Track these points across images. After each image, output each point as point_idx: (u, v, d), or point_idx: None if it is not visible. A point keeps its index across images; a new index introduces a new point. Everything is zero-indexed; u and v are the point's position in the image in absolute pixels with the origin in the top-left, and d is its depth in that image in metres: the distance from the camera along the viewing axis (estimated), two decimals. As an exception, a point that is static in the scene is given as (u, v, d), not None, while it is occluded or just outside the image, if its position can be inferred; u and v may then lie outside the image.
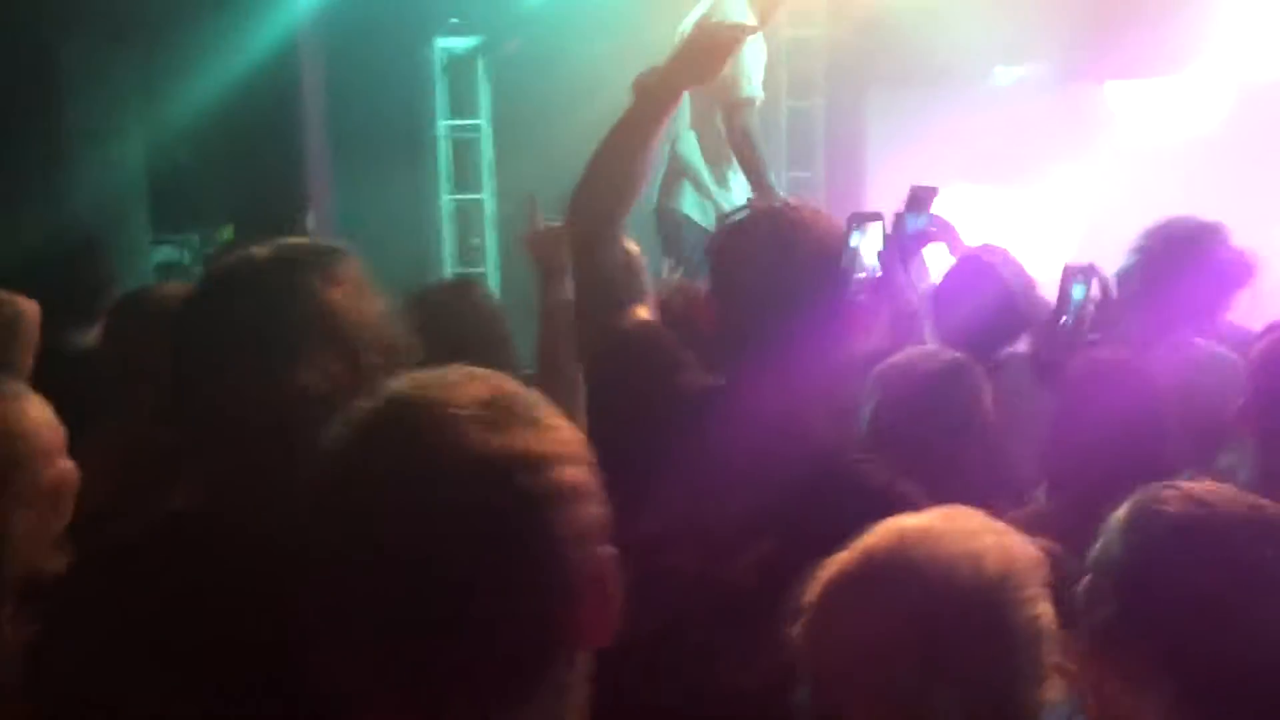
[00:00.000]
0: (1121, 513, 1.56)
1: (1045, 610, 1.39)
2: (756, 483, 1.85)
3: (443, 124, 8.19)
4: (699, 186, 5.66)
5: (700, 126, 5.60)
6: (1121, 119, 7.52)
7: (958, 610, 1.34)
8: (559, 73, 7.51)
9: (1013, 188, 7.11)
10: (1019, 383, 2.93)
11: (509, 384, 1.16)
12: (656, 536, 1.83)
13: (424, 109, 8.10)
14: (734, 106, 5.25)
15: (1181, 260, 3.34)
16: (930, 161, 7.06)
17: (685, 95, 2.49)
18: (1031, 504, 2.65)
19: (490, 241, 8.13)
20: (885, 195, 7.07)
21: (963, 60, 7.52)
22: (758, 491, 1.85)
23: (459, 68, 8.17)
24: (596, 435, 1.24)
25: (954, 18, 7.30)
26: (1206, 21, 7.26)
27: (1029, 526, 1.62)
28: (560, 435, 1.13)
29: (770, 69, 7.75)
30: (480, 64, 8.12)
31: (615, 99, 7.63)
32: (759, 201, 2.61)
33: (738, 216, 2.14)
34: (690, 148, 5.63)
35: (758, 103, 5.40)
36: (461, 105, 8.20)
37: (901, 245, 3.21)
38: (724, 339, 2.07)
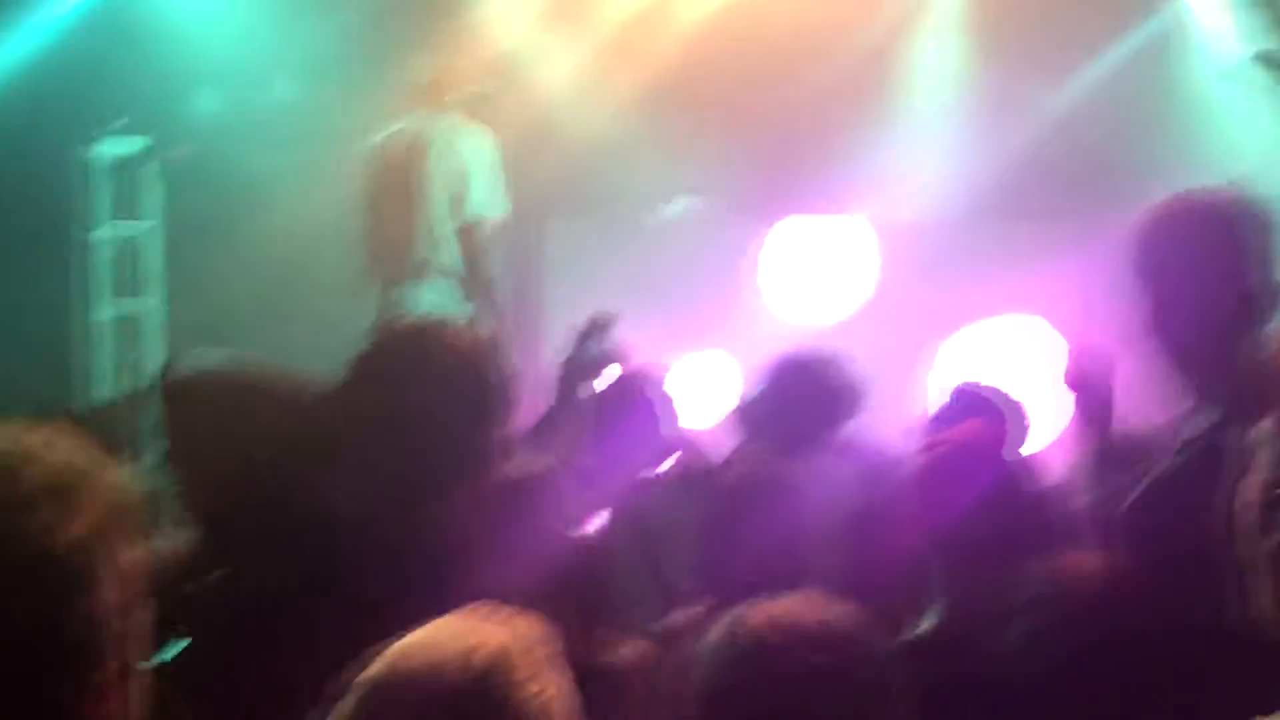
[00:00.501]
0: (712, 634, 1.65)
1: (547, 684, 1.43)
2: None
3: (103, 229, 7.75)
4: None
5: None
6: (785, 253, 8.03)
7: (449, 710, 1.37)
8: (234, 180, 7.32)
9: (684, 317, 7.40)
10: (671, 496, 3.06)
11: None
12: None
13: (75, 214, 7.66)
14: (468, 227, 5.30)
15: (795, 386, 3.61)
16: (607, 289, 7.30)
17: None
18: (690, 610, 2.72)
19: (155, 351, 7.68)
20: (564, 322, 7.29)
21: (638, 192, 7.87)
22: None
23: (125, 170, 7.80)
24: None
25: (629, 152, 7.67)
26: (861, 165, 7.96)
27: (677, 632, 1.69)
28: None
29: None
30: (148, 167, 7.77)
31: (293, 209, 7.53)
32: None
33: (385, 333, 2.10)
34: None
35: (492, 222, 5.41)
36: (127, 209, 7.80)
37: (580, 368, 3.30)
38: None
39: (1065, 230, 7.88)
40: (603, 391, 3.40)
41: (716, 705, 1.62)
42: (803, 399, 3.61)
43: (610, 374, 3.43)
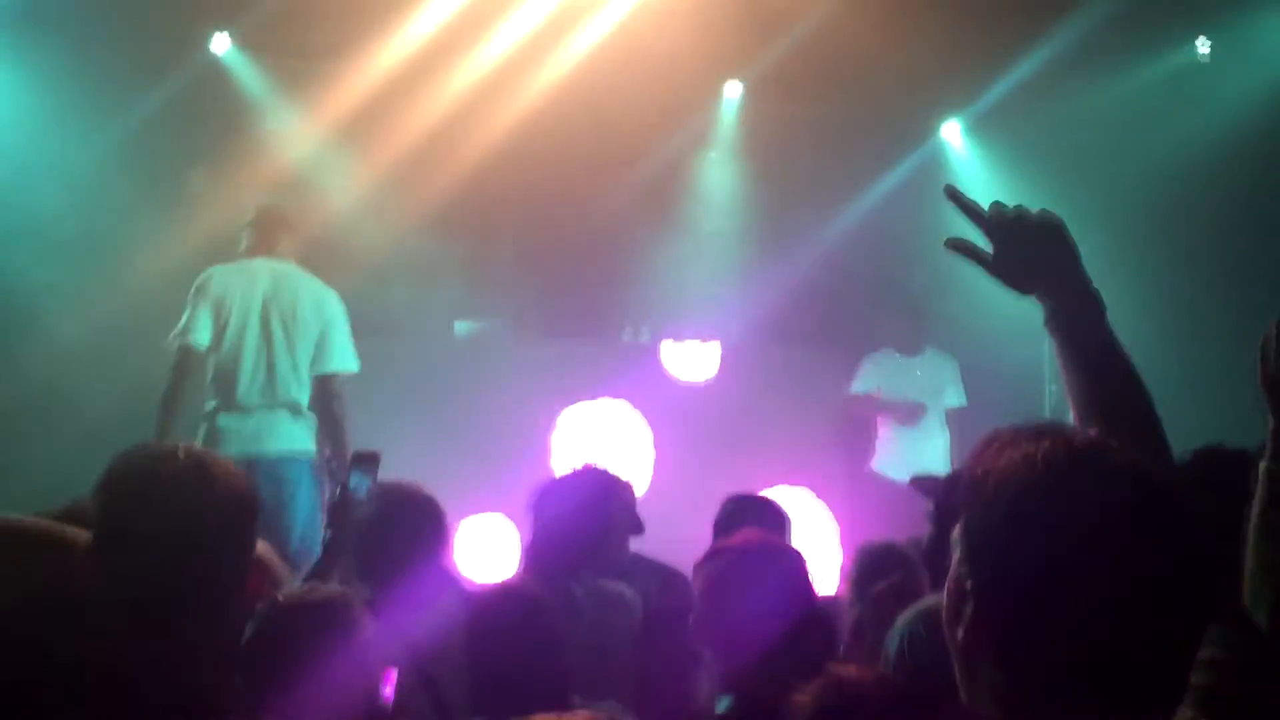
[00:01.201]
0: None
1: None
2: None
3: None
4: None
5: None
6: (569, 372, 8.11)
7: None
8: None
9: (469, 435, 7.37)
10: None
11: None
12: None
13: None
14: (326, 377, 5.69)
15: (569, 513, 3.75)
16: (391, 410, 7.21)
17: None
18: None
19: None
20: (361, 441, 7.17)
21: (423, 313, 7.87)
22: None
23: None
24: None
25: (411, 276, 7.69)
26: (648, 288, 8.19)
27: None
28: None
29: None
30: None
31: (58, 326, 7.12)
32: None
33: (131, 458, 1.97)
34: None
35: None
36: None
37: (346, 504, 3.28)
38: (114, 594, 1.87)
39: (836, 355, 8.29)
40: (369, 520, 3.33)
41: None
42: (572, 525, 3.66)
43: (376, 504, 3.37)
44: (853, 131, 8.49)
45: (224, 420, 5.59)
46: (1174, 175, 8.11)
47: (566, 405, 7.84)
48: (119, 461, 1.93)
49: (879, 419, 7.91)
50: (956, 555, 1.30)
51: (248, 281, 5.75)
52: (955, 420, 7.91)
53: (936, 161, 9.17)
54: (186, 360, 5.61)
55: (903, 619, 2.49)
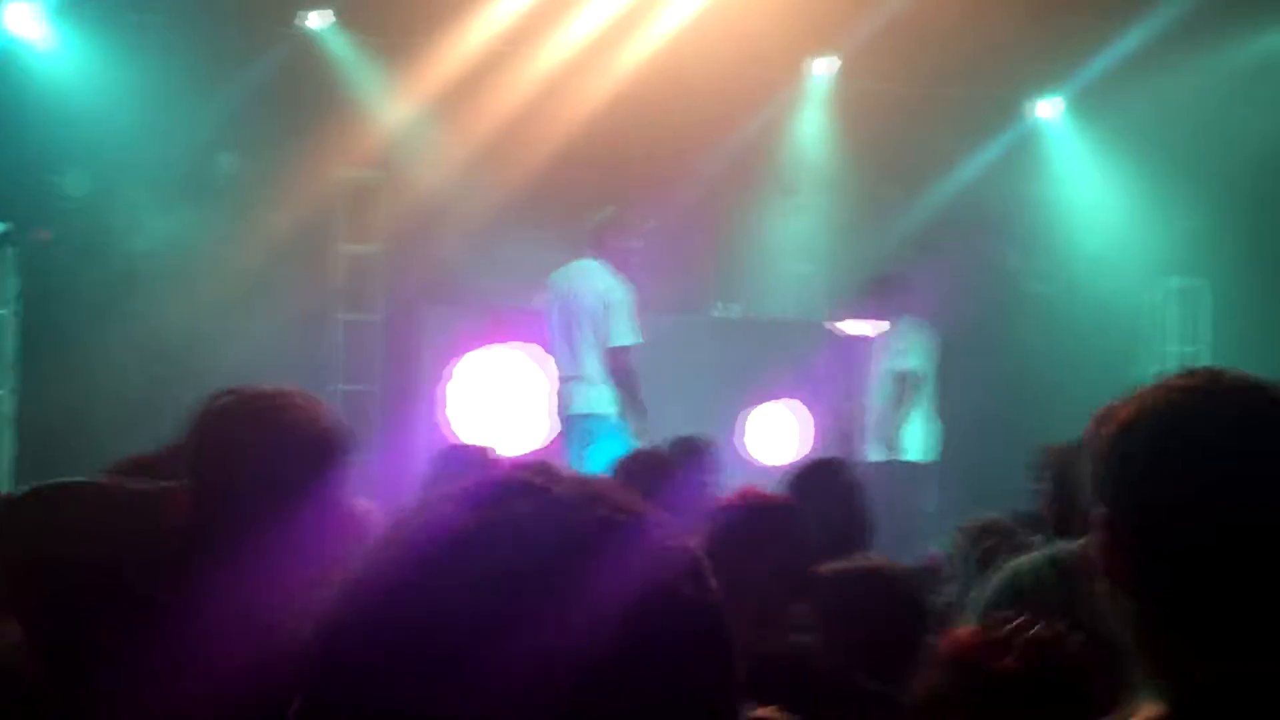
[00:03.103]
0: None
1: None
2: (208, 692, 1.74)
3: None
4: None
5: None
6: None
7: None
8: (97, 265, 7.17)
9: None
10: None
11: None
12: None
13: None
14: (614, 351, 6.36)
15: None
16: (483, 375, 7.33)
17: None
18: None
19: (6, 442, 7.35)
20: (440, 408, 7.32)
21: (505, 284, 7.93)
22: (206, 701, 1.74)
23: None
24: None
25: (496, 247, 7.78)
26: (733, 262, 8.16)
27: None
28: None
29: (327, 283, 7.87)
30: (9, 252, 7.52)
31: (157, 292, 7.36)
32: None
33: (221, 400, 2.01)
34: None
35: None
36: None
37: None
38: (199, 529, 1.93)
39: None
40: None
41: None
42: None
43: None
44: (946, 109, 8.38)
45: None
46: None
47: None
48: (203, 407, 1.98)
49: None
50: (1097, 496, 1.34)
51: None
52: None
53: (1032, 140, 9.02)
54: None
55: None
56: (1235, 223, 8.22)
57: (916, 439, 7.32)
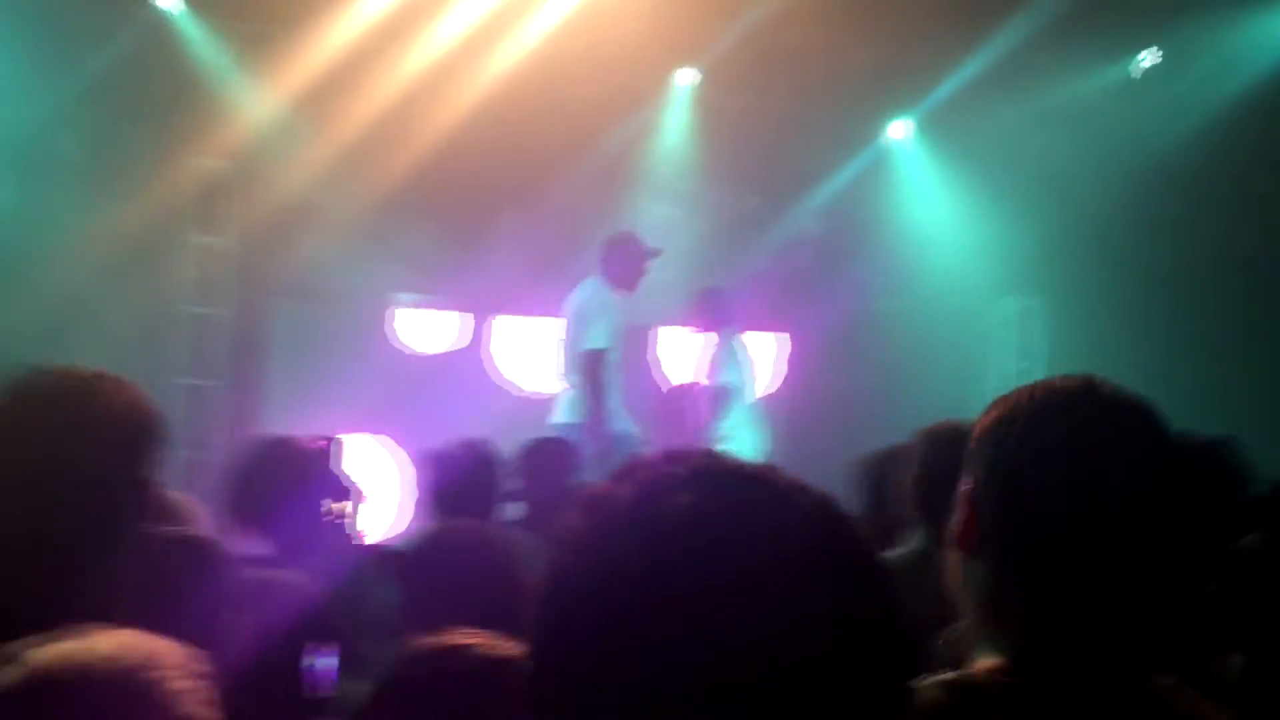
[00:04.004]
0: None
1: (195, 689, 1.50)
2: None
3: None
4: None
5: None
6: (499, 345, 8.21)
7: (96, 703, 1.42)
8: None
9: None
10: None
11: None
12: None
13: None
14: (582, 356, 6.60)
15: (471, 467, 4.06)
16: (328, 372, 7.25)
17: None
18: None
19: None
20: (287, 405, 7.19)
21: (362, 283, 7.86)
22: None
23: None
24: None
25: (355, 242, 7.69)
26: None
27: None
28: None
29: (175, 275, 7.66)
30: None
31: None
32: None
33: (27, 380, 1.90)
34: None
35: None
36: None
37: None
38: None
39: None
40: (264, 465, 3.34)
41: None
42: (479, 478, 3.86)
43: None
44: (805, 126, 8.57)
45: None
46: (1115, 179, 8.29)
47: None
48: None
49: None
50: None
51: None
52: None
53: (886, 159, 9.29)
54: None
55: None
56: (1068, 244, 8.60)
57: (745, 449, 7.45)
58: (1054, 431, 1.43)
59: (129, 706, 1.42)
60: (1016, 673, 1.40)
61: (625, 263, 6.83)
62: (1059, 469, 1.42)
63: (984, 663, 1.43)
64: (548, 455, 4.53)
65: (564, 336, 6.81)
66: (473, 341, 8.34)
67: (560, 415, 6.71)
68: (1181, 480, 1.44)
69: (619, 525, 0.92)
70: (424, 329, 8.26)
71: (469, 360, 8.26)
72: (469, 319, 8.34)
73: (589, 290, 6.76)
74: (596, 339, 6.59)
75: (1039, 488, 1.42)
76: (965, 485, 1.49)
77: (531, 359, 8.19)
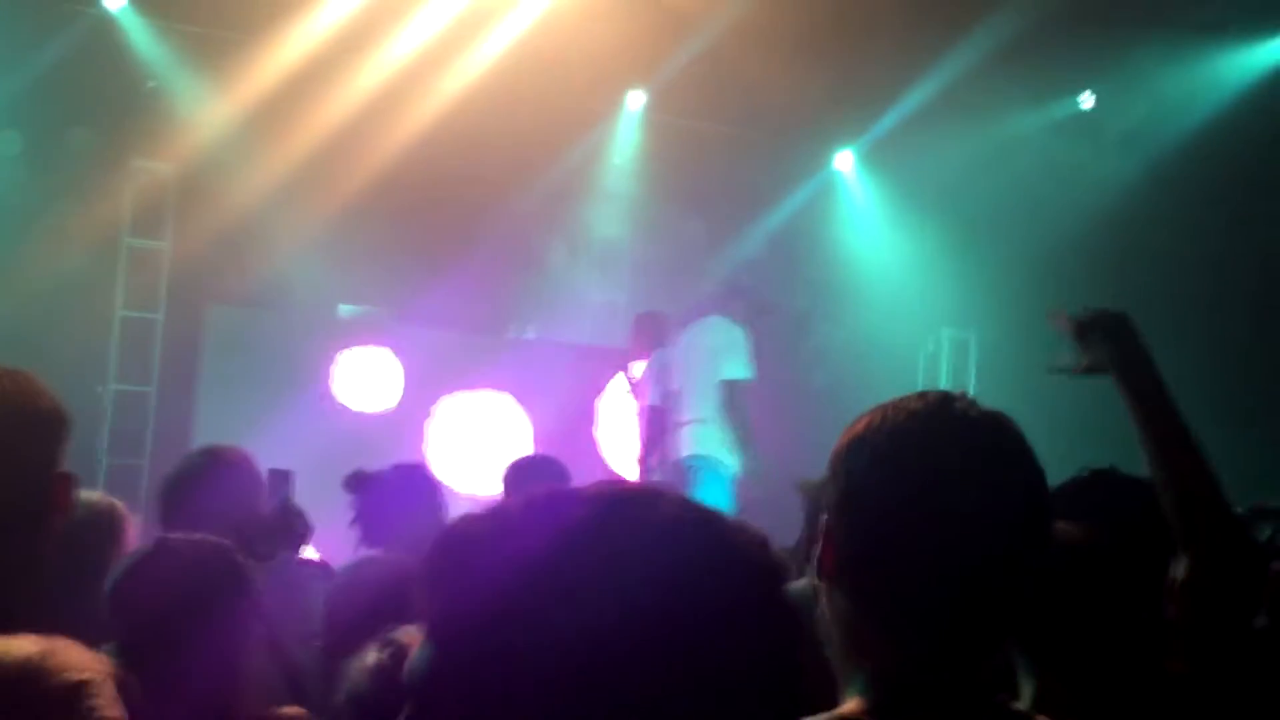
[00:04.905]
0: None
1: (102, 695, 1.51)
2: None
3: None
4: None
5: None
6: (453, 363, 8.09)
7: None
8: None
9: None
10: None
11: None
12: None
13: None
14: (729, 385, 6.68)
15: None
16: (263, 380, 7.13)
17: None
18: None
19: None
20: (218, 413, 7.06)
21: (306, 290, 7.76)
22: None
23: None
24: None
25: (299, 251, 7.58)
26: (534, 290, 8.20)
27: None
28: None
29: (108, 279, 7.51)
30: None
31: None
32: None
33: None
34: None
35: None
36: None
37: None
38: None
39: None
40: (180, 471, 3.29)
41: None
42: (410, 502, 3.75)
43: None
44: (752, 152, 8.63)
45: None
46: (1051, 216, 8.42)
47: (447, 395, 7.82)
48: None
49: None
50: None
51: None
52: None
53: (830, 189, 9.37)
54: None
55: None
56: (999, 279, 8.72)
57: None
58: (904, 453, 1.37)
59: (35, 707, 1.43)
60: (875, 712, 1.34)
61: (748, 310, 6.91)
62: (909, 492, 1.35)
63: (848, 704, 1.37)
64: (534, 473, 4.37)
65: (688, 371, 6.78)
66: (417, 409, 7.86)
67: (694, 448, 6.69)
68: (1036, 498, 1.38)
69: (505, 530, 0.96)
70: (365, 383, 7.83)
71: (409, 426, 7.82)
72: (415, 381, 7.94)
73: (720, 326, 6.78)
74: (738, 370, 6.65)
75: (888, 511, 1.36)
76: (824, 516, 1.43)
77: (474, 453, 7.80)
